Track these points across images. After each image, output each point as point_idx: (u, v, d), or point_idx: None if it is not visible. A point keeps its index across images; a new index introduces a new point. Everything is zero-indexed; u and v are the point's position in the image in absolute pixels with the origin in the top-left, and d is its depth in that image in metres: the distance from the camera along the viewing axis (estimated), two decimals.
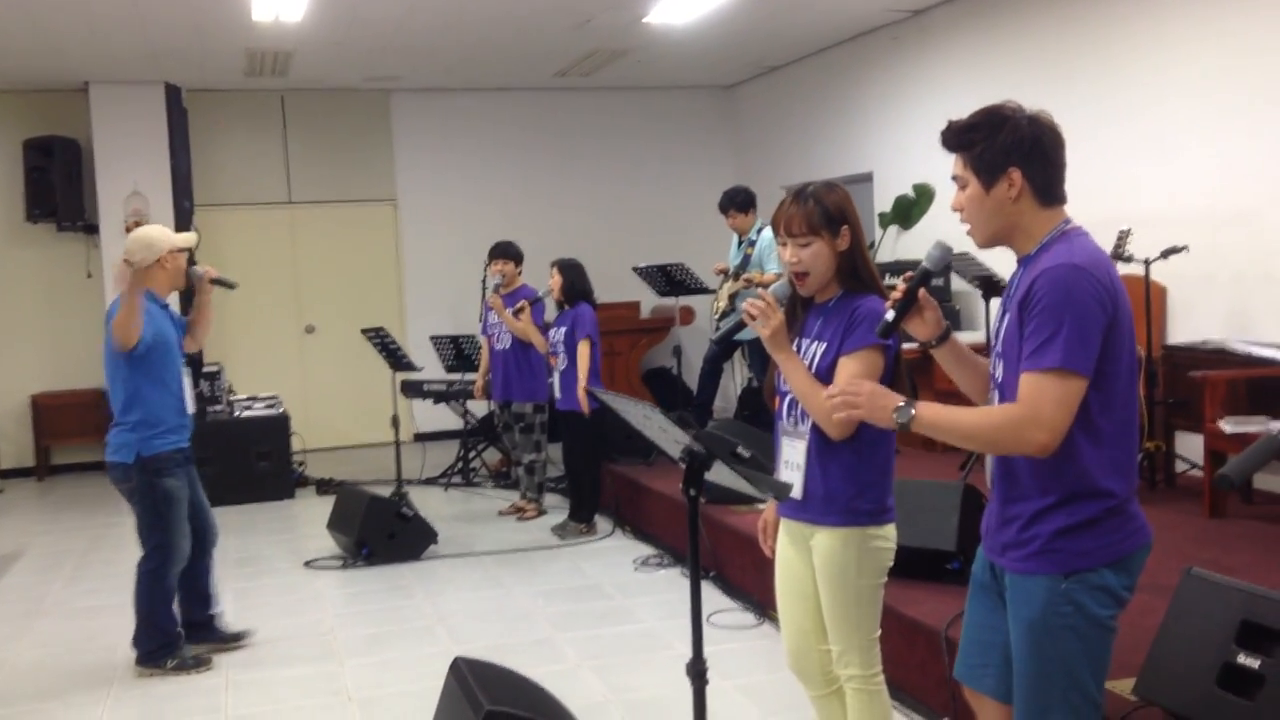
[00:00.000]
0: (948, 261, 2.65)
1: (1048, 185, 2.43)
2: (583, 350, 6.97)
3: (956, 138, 2.47)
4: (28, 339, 10.27)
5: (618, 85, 11.32)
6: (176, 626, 4.94)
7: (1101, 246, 2.44)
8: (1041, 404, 2.28)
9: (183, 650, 4.91)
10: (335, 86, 10.68)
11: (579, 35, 8.93)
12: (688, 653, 2.78)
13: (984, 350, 2.65)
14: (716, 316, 8.00)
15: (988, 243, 2.51)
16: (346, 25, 8.25)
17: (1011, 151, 2.39)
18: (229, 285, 5.20)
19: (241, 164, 10.78)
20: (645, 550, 6.72)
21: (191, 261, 5.09)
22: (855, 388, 2.51)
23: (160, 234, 4.88)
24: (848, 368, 2.87)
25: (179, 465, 4.85)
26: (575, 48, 9.41)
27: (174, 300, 5.46)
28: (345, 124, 10.99)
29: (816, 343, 2.95)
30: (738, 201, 7.85)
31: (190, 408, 5.00)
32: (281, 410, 8.95)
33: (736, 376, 9.72)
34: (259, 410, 8.90)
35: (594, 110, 11.54)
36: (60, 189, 9.83)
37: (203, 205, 10.48)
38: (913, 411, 2.41)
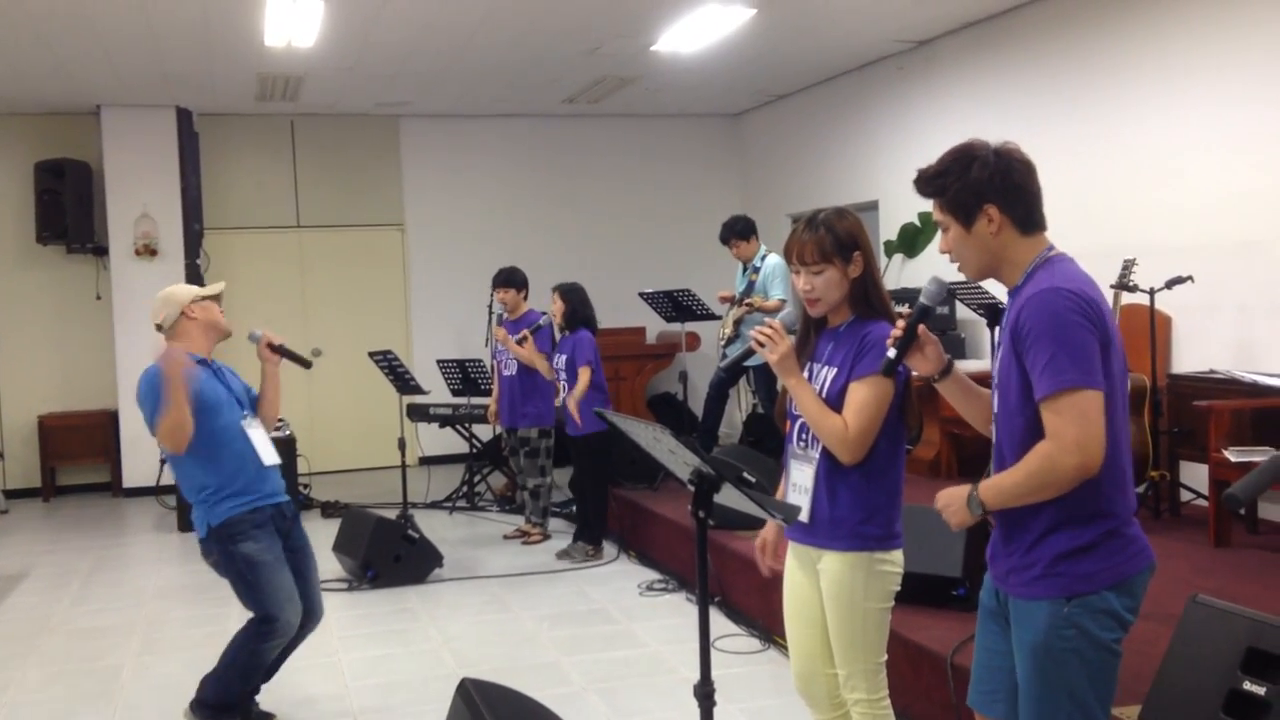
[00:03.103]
0: (944, 296, 2.70)
1: (1026, 215, 2.47)
2: (583, 375, 7.01)
3: (930, 184, 2.53)
4: (36, 360, 10.31)
5: (625, 113, 11.40)
6: (234, 700, 4.36)
7: (1090, 273, 2.47)
8: (1061, 430, 2.30)
9: None
10: (345, 112, 10.76)
11: (588, 62, 9.01)
12: (693, 677, 2.80)
13: (990, 378, 2.69)
14: (723, 343, 8.04)
15: (979, 277, 2.57)
16: (358, 51, 8.33)
17: (984, 188, 2.44)
18: (301, 361, 4.55)
19: (251, 188, 10.85)
20: (650, 575, 6.72)
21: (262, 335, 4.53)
22: (937, 502, 2.57)
23: (176, 288, 4.39)
24: (858, 393, 2.90)
25: (257, 526, 4.23)
26: (584, 75, 9.49)
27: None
28: (354, 149, 11.06)
29: (827, 367, 2.99)
30: (737, 230, 7.92)
31: (267, 460, 4.32)
32: (288, 433, 8.96)
33: (742, 402, 9.74)
34: None
35: (602, 137, 11.62)
36: (71, 211, 9.89)
37: (212, 228, 10.55)
38: (978, 497, 2.45)
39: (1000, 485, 2.44)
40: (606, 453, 7.19)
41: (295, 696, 4.89)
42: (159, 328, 4.31)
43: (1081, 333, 2.31)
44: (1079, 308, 2.32)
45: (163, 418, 4.04)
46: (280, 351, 4.47)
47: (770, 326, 2.96)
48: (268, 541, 4.24)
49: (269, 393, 4.48)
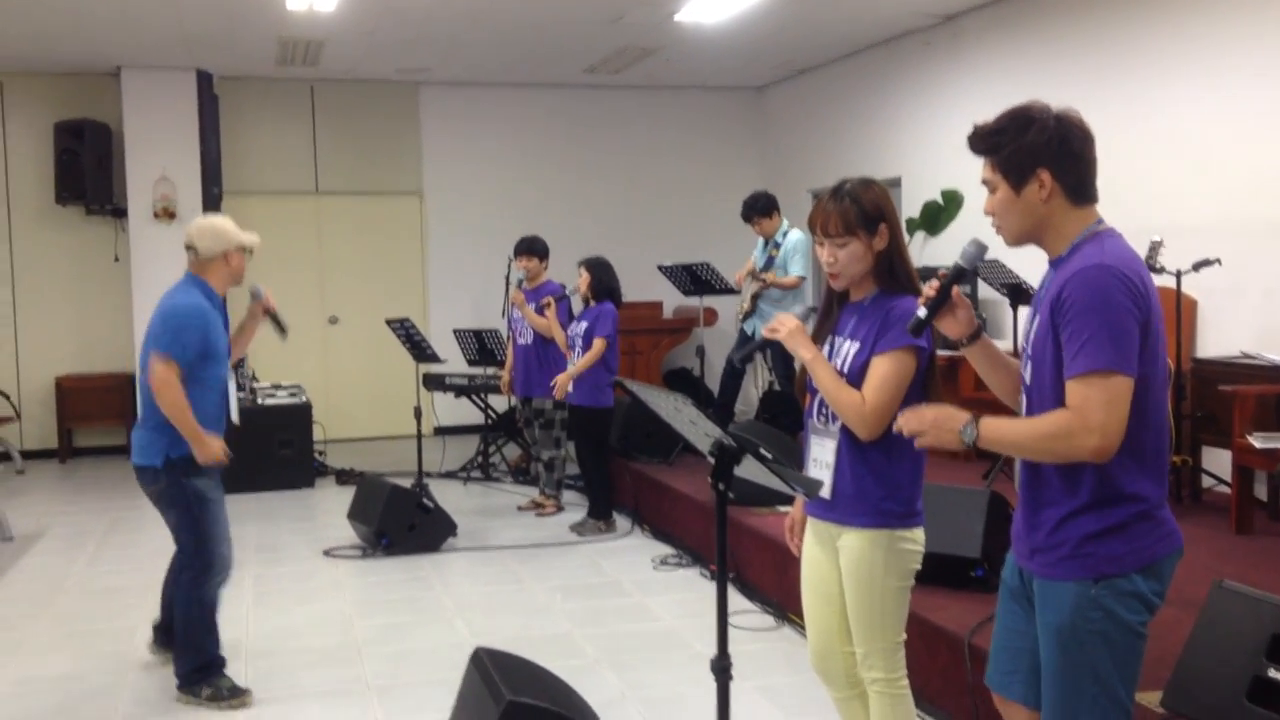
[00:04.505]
0: (981, 259, 2.63)
1: (1079, 184, 2.40)
2: (597, 345, 6.97)
3: (984, 141, 2.44)
4: (54, 321, 10.33)
5: (647, 84, 11.30)
6: (217, 649, 4.48)
7: (1135, 248, 2.41)
8: (1088, 409, 2.25)
9: (220, 680, 4.44)
10: (365, 77, 10.70)
11: (610, 32, 8.93)
12: (706, 652, 2.77)
13: (1012, 357, 2.63)
14: (740, 318, 8.00)
15: (1017, 243, 2.49)
16: (378, 15, 8.26)
17: (1040, 152, 2.36)
18: (281, 328, 4.78)
19: (270, 152, 10.81)
20: (664, 549, 6.70)
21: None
22: (918, 415, 2.47)
23: (227, 226, 4.50)
24: (880, 368, 2.85)
25: (210, 466, 4.39)
26: (606, 44, 9.41)
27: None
28: (374, 115, 11.01)
29: (850, 341, 2.93)
30: (759, 208, 7.87)
31: (235, 416, 4.59)
32: (304, 400, 8.97)
33: (758, 379, 9.70)
34: (282, 399, 8.93)
35: (622, 108, 11.53)
36: (90, 172, 9.88)
37: (230, 192, 10.52)
38: (976, 431, 2.38)
39: (1004, 429, 2.38)
40: (603, 426, 7.17)
41: (308, 663, 4.90)
42: (192, 250, 4.42)
43: (1125, 316, 2.25)
44: (1127, 289, 2.26)
45: (172, 394, 4.23)
46: (271, 316, 4.75)
47: (778, 320, 2.96)
48: (215, 481, 4.45)
49: (245, 338, 4.85)
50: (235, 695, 4.43)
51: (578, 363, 6.99)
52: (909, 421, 2.48)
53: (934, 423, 2.44)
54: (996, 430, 2.38)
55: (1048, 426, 2.32)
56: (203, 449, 4.30)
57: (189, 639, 4.43)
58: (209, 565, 4.41)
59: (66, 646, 5.20)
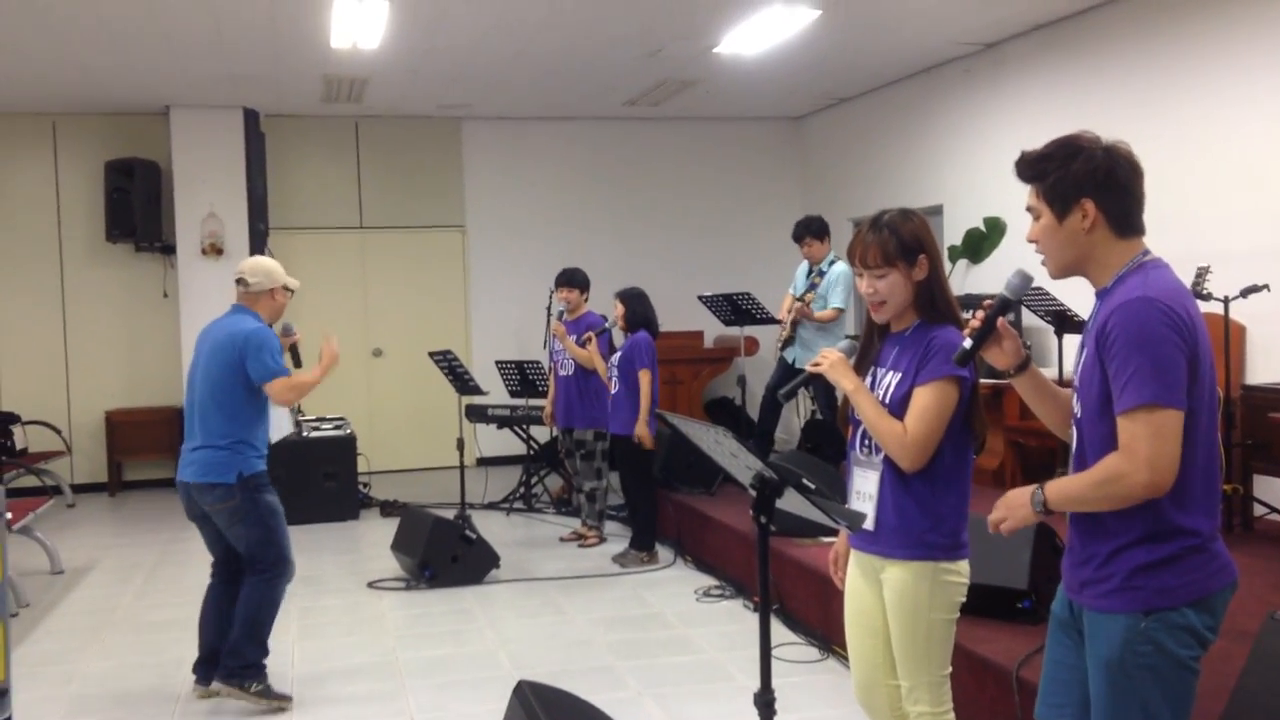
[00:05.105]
0: (1026, 290, 2.62)
1: (1124, 216, 2.39)
2: (644, 381, 6.98)
3: (1030, 168, 2.45)
4: (104, 356, 10.50)
5: (686, 116, 11.36)
6: (265, 652, 4.80)
7: (1181, 279, 2.39)
8: (1136, 446, 2.24)
9: (267, 681, 4.74)
10: (408, 114, 10.84)
11: (649, 65, 8.99)
12: (750, 685, 2.76)
13: (1059, 385, 2.62)
14: (780, 345, 7.99)
15: (1061, 274, 2.48)
16: (421, 53, 8.38)
17: (1085, 182, 2.36)
18: (295, 360, 5.28)
19: (315, 188, 10.96)
20: (707, 581, 6.67)
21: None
22: (995, 509, 2.51)
23: (277, 266, 5.03)
24: (921, 398, 2.84)
25: (270, 482, 4.85)
26: (645, 77, 9.47)
27: None
28: (417, 151, 11.14)
29: (892, 372, 2.93)
30: (813, 229, 7.87)
31: (286, 428, 5.12)
32: (349, 432, 9.04)
33: (801, 408, 9.66)
34: (326, 431, 9.00)
35: (662, 140, 11.59)
36: (139, 210, 10.06)
37: (277, 228, 10.67)
38: (1043, 494, 2.40)
39: (1065, 488, 2.39)
40: (645, 455, 7.17)
41: (351, 695, 4.92)
42: (243, 283, 4.90)
43: (1170, 349, 2.24)
44: (1171, 321, 2.25)
45: (301, 382, 4.81)
46: (292, 350, 5.23)
47: (821, 354, 2.98)
48: (277, 495, 4.88)
49: None
50: (282, 698, 4.75)
51: (642, 406, 7.00)
52: (992, 520, 2.52)
53: (1007, 506, 2.48)
54: (1060, 490, 2.40)
55: (1099, 473, 2.31)
56: (332, 362, 5.00)
57: (254, 632, 4.72)
58: (284, 569, 4.83)
59: (115, 678, 5.25)
